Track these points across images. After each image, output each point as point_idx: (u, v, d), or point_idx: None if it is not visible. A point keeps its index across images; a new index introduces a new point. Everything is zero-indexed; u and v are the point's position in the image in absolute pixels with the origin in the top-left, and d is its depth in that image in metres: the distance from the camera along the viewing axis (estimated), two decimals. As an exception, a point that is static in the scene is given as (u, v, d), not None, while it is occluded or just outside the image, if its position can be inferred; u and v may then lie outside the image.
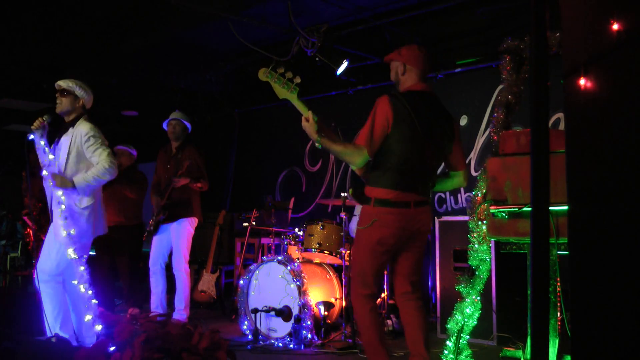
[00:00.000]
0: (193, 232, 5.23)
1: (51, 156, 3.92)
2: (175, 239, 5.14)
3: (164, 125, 5.42)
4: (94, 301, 3.70)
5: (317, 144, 3.09)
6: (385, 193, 3.07)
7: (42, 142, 3.95)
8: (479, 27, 6.07)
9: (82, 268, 3.72)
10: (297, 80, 3.12)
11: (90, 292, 3.70)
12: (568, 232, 2.00)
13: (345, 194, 4.99)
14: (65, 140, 3.99)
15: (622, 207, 1.88)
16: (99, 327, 3.65)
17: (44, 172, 3.92)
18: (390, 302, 5.05)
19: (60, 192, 3.85)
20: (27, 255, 7.79)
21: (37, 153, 3.99)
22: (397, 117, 3.05)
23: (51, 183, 3.85)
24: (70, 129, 4.01)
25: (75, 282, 3.71)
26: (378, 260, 3.15)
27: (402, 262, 3.24)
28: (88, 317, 3.67)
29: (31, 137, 3.95)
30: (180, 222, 5.14)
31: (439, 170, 3.33)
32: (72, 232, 3.77)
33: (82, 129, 3.97)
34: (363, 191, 3.19)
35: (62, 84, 4.05)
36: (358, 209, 5.69)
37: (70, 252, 3.73)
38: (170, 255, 5.24)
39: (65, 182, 3.87)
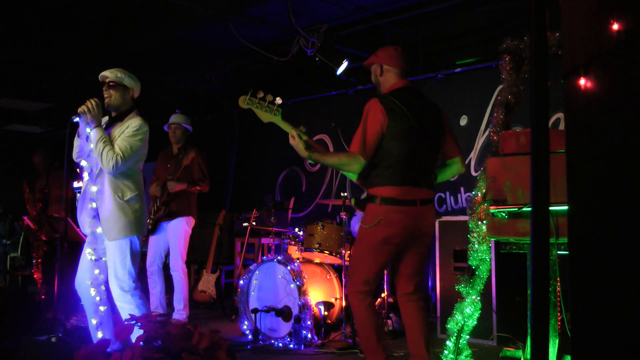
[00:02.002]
0: (190, 232, 5.23)
1: (92, 145, 3.55)
2: (172, 239, 5.14)
3: (165, 128, 5.43)
4: (103, 307, 3.63)
5: (309, 161, 3.09)
6: (390, 190, 3.06)
7: (89, 129, 3.51)
8: (479, 27, 6.08)
9: (97, 271, 3.60)
10: (278, 101, 3.11)
11: (98, 298, 3.62)
12: (568, 232, 2.00)
13: (345, 194, 5.00)
14: (111, 134, 3.64)
15: (622, 207, 1.88)
16: (100, 334, 3.61)
17: (84, 163, 3.59)
18: (390, 300, 5.05)
19: (95, 189, 3.56)
20: (27, 255, 7.79)
21: (79, 140, 3.61)
22: (391, 115, 3.06)
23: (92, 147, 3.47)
24: (119, 123, 3.67)
25: (89, 282, 3.60)
26: (381, 259, 3.14)
27: (405, 262, 3.24)
28: (94, 321, 3.64)
29: (76, 119, 3.51)
30: (177, 221, 5.14)
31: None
32: (98, 230, 3.57)
33: (133, 122, 3.63)
34: (365, 199, 3.19)
35: (110, 75, 3.65)
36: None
37: (90, 253, 3.58)
38: (167, 256, 5.23)
39: (94, 118, 3.47)
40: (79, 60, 6.98)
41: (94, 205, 3.56)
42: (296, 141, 3.06)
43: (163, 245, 5.18)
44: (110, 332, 3.64)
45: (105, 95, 3.65)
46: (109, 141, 3.54)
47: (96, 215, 3.58)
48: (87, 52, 6.84)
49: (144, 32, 6.53)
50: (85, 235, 3.69)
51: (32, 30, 6.34)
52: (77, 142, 3.68)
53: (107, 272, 3.63)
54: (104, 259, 3.64)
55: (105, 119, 3.75)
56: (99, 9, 5.98)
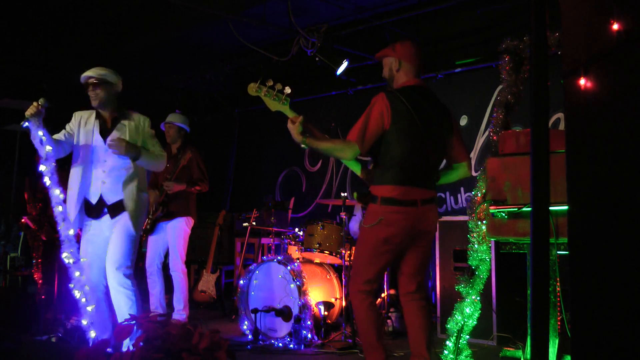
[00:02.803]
0: (189, 232, 5.23)
1: (49, 148, 3.52)
2: (171, 239, 5.14)
3: (162, 127, 5.44)
4: (89, 307, 3.62)
5: (302, 145, 3.07)
6: (390, 190, 3.05)
7: (41, 132, 3.48)
8: (479, 27, 6.08)
9: (77, 273, 3.59)
10: (287, 90, 3.09)
11: (84, 299, 3.61)
12: (568, 232, 2.00)
13: (345, 194, 5.00)
14: (121, 134, 3.71)
15: (621, 207, 1.88)
16: (92, 334, 3.61)
17: (42, 168, 3.53)
18: (391, 291, 5.06)
19: (57, 191, 3.57)
20: (27, 255, 7.79)
21: (33, 144, 3.56)
22: (396, 113, 3.04)
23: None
24: (124, 121, 3.78)
25: (72, 285, 3.58)
26: (383, 259, 3.14)
27: (407, 261, 3.24)
28: (84, 322, 3.64)
29: (25, 124, 3.48)
30: (176, 222, 5.14)
31: (441, 166, 3.33)
32: (70, 233, 3.58)
33: (142, 119, 3.84)
34: (367, 193, 3.18)
35: (92, 73, 3.69)
36: (358, 208, 5.69)
37: (66, 257, 3.55)
38: (166, 256, 5.23)
39: (131, 148, 3.62)
40: (78, 60, 6.97)
41: (60, 208, 3.56)
42: (294, 125, 3.03)
43: (162, 245, 5.18)
44: (104, 331, 3.64)
45: (92, 96, 3.71)
46: (142, 148, 3.74)
47: (66, 219, 3.57)
48: (87, 52, 6.84)
49: (144, 32, 6.54)
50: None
51: (32, 30, 6.34)
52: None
53: (110, 259, 3.68)
54: (82, 259, 3.63)
55: (92, 116, 3.79)
56: (98, 9, 5.99)
